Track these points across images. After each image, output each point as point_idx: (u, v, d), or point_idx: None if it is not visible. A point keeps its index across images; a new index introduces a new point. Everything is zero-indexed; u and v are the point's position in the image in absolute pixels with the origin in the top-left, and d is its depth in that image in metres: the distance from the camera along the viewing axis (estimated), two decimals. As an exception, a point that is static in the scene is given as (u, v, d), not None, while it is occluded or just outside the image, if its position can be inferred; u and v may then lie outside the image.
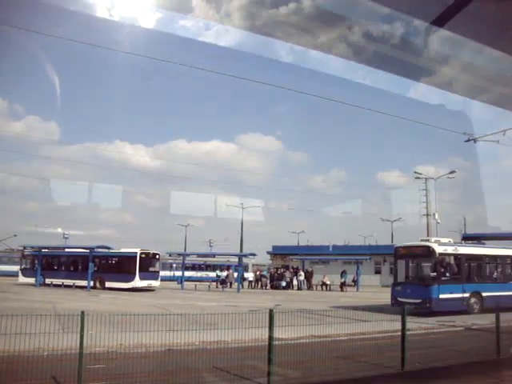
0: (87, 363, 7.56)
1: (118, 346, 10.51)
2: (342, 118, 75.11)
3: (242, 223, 54.26)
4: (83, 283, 33.43)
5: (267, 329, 8.54)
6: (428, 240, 22.21)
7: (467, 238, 26.15)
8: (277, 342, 8.75)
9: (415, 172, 43.12)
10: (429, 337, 14.53)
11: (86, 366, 7.41)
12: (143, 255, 34.67)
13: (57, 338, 8.94)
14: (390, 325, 11.84)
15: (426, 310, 19.65)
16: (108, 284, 34.04)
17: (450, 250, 21.35)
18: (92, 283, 33.86)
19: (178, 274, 45.92)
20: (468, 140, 23.27)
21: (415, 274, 22.24)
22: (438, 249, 20.67)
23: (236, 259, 42.28)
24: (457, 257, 21.52)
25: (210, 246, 74.96)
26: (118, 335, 10.44)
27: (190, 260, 49.16)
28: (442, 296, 19.92)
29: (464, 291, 20.74)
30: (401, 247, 23.24)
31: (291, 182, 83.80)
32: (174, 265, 53.49)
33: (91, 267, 34.06)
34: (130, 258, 34.26)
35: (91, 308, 15.43)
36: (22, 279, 38.10)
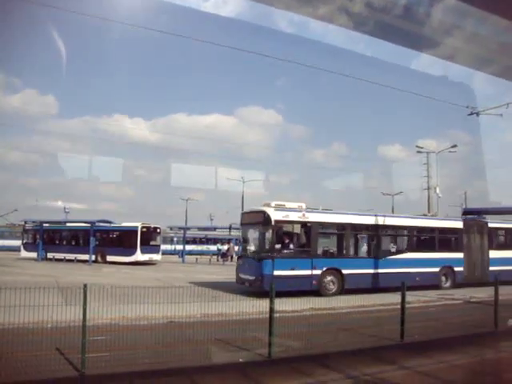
0: (90, 335, 7.64)
1: (120, 319, 10.65)
2: (343, 91, 74.52)
3: (242, 197, 54.17)
4: (85, 257, 33.64)
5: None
6: (268, 204, 17.49)
7: (468, 213, 25.80)
8: (278, 315, 8.84)
9: (417, 146, 42.87)
10: (428, 310, 14.68)
11: (90, 338, 7.49)
12: (144, 229, 34.85)
13: (60, 311, 9.02)
14: (391, 298, 11.96)
15: (259, 288, 16.20)
16: (109, 258, 34.30)
17: (293, 216, 17.24)
18: (93, 257, 34.11)
19: (179, 247, 46.22)
20: (471, 113, 22.97)
21: (253, 245, 18.62)
22: (275, 215, 16.77)
23: (237, 233, 42.40)
24: (306, 225, 17.59)
25: (211, 220, 75.13)
26: (121, 308, 10.59)
27: (190, 234, 49.31)
28: (278, 273, 16.20)
29: (314, 267, 17.12)
30: (244, 213, 19.94)
31: (292, 156, 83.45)
32: (175, 238, 53.80)
33: (92, 241, 34.24)
34: (131, 232, 34.44)
35: (93, 281, 15.53)
36: (23, 254, 38.35)
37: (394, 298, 11.57)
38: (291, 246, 17.57)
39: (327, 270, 17.46)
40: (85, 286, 7.97)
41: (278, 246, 16.94)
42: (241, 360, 8.28)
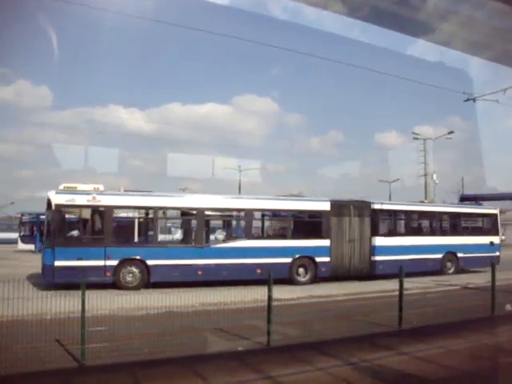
0: (89, 326, 7.67)
1: (118, 309, 10.68)
2: (338, 78, 74.06)
3: (239, 185, 54.06)
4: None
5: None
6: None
7: (465, 199, 25.91)
8: (276, 303, 8.88)
9: (413, 133, 42.81)
10: (425, 296, 14.76)
11: (89, 329, 7.52)
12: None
13: (59, 302, 9.05)
14: (389, 284, 12.01)
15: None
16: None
17: (81, 200, 14.99)
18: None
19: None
20: (467, 99, 22.87)
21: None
22: (56, 199, 14.82)
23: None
24: (97, 210, 15.53)
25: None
26: (119, 298, 10.61)
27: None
28: (60, 263, 14.28)
29: (108, 257, 14.99)
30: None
31: (288, 144, 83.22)
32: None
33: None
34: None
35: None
36: (21, 246, 38.20)
37: (393, 285, 11.62)
38: (79, 233, 15.78)
39: (125, 260, 15.30)
40: (84, 277, 7.98)
41: (65, 234, 15.31)
42: (240, 348, 8.33)
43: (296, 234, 17.93)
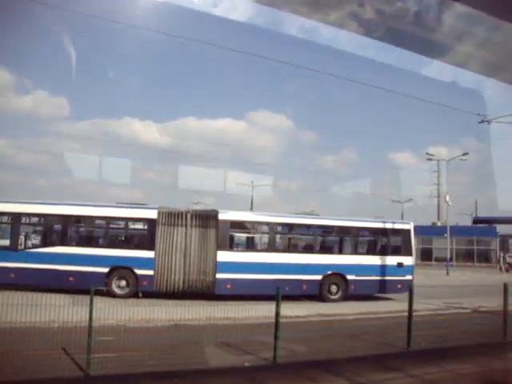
0: (96, 336, 7.67)
1: (126, 320, 10.68)
2: (353, 97, 74.17)
3: (251, 201, 54.20)
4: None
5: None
6: None
7: (478, 221, 25.10)
8: (283, 320, 8.82)
9: (427, 153, 42.76)
10: (435, 318, 14.57)
11: (96, 339, 7.52)
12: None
13: (67, 311, 9.10)
14: (398, 305, 11.89)
15: None
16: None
17: None
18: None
19: None
20: (482, 121, 22.79)
21: None
22: None
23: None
24: None
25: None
26: (127, 309, 10.63)
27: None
28: None
29: None
30: None
31: (302, 162, 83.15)
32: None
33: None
34: None
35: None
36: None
37: (402, 306, 11.49)
38: None
39: None
40: (92, 287, 8.01)
41: None
42: (246, 364, 8.27)
43: (110, 244, 16.64)
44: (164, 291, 15.40)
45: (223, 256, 16.27)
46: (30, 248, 16.40)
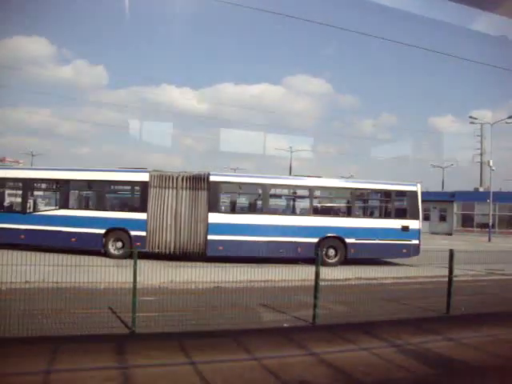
0: (140, 296, 7.98)
1: (168, 283, 11.03)
2: (393, 59, 72.24)
3: (290, 167, 54.22)
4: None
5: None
6: None
7: None
8: (323, 283, 8.92)
9: (470, 117, 41.51)
10: (476, 284, 14.41)
11: (140, 298, 7.82)
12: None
13: (112, 273, 9.48)
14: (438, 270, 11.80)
15: None
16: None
17: None
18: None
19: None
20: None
21: None
22: None
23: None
24: None
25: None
26: (169, 271, 10.97)
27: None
28: None
29: None
30: None
31: (340, 126, 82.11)
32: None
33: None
34: None
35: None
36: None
37: (440, 271, 11.41)
38: None
39: None
40: (135, 249, 8.30)
41: None
42: (285, 325, 8.45)
43: (111, 207, 17.49)
44: (156, 251, 15.67)
45: (214, 218, 16.49)
46: (37, 211, 17.51)
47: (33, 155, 59.52)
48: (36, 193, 18.24)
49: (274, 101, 76.94)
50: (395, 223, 17.57)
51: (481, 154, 42.16)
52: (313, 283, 8.60)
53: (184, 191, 16.66)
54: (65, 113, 73.44)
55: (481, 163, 41.62)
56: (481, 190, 47.10)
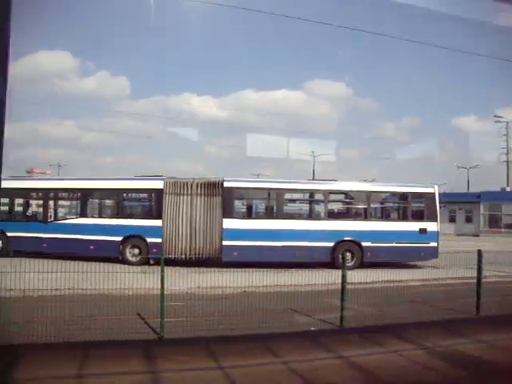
0: (167, 302, 8.07)
1: (195, 288, 11.11)
2: (414, 60, 71.41)
3: (313, 171, 54.00)
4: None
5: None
6: None
7: None
8: (350, 286, 8.90)
9: (495, 116, 40.81)
10: (506, 285, 14.12)
11: (167, 303, 7.91)
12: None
13: (138, 279, 9.62)
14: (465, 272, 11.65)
15: None
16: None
17: None
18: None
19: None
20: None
21: None
22: None
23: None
24: None
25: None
26: (195, 277, 11.05)
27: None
28: None
29: None
30: None
31: (362, 130, 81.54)
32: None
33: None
34: None
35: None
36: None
37: (468, 272, 11.26)
38: None
39: None
40: (162, 255, 8.39)
41: None
42: (312, 328, 8.43)
43: (127, 214, 17.95)
44: (173, 258, 15.71)
45: (229, 223, 16.58)
46: (58, 220, 17.94)
47: (59, 166, 60.66)
48: (56, 202, 18.61)
49: (294, 106, 76.84)
50: (412, 226, 17.43)
51: (507, 153, 41.48)
52: (337, 287, 8.60)
53: (199, 197, 16.81)
54: (88, 124, 74.68)
55: (507, 162, 40.93)
56: (508, 189, 46.29)
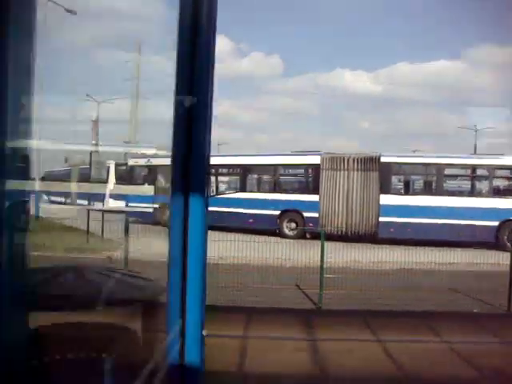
0: (325, 274, 8.29)
1: (352, 262, 11.17)
2: None
3: (475, 147, 50.03)
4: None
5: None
6: None
7: None
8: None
9: None
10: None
11: (325, 276, 8.13)
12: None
13: (294, 251, 9.98)
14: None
15: None
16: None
17: None
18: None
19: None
20: None
21: None
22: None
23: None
24: None
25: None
26: (352, 251, 11.14)
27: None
28: None
29: None
30: None
31: (535, 99, 72.78)
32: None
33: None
34: None
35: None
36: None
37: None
38: None
39: None
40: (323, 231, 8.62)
41: None
42: (475, 310, 8.00)
43: (285, 189, 18.32)
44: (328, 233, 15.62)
45: (386, 199, 16.14)
46: (219, 194, 18.65)
47: (218, 144, 64.47)
48: (218, 178, 19.45)
49: (453, 77, 71.31)
50: None
51: None
52: (502, 269, 8.00)
53: (355, 173, 16.68)
54: (244, 103, 77.92)
55: None
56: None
